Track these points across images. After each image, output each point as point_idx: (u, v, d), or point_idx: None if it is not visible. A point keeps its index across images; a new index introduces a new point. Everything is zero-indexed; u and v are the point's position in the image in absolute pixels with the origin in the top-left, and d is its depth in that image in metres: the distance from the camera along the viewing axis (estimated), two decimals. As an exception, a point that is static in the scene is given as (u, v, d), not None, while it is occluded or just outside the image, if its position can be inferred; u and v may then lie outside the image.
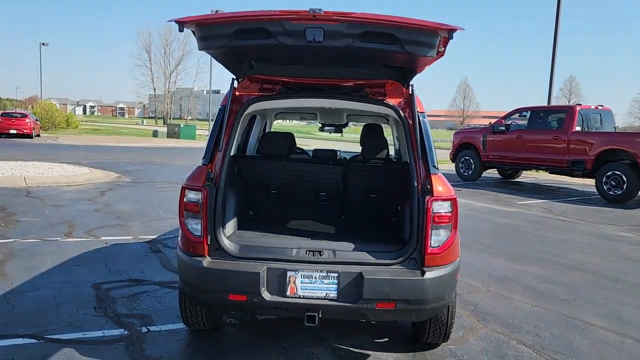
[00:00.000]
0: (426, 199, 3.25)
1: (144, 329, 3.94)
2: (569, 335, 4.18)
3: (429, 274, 3.20)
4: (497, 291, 5.26)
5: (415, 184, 3.36)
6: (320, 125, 6.37)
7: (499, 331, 4.22)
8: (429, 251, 3.25)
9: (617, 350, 3.93)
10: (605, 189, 12.39)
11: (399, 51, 2.80)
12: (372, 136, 4.49)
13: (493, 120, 16.22)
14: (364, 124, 5.21)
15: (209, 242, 3.33)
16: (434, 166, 3.38)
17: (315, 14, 2.65)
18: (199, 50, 2.99)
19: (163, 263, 5.74)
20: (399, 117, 3.54)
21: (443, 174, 3.53)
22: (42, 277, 5.09)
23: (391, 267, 3.26)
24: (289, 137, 4.51)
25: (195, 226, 3.36)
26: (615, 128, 14.57)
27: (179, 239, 3.51)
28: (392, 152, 5.55)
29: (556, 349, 3.92)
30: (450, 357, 3.72)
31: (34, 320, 4.02)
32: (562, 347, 3.95)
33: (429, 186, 3.28)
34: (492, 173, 17.22)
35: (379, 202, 4.32)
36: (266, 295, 3.18)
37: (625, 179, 12.02)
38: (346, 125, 6.22)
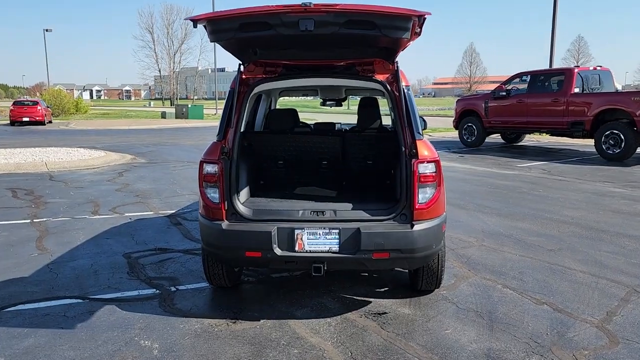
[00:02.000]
0: (412, 162, 3.73)
1: (173, 288, 4.51)
2: (550, 279, 4.69)
3: (417, 227, 3.69)
4: (490, 245, 5.76)
5: (403, 149, 3.83)
6: (321, 100, 6.84)
7: (487, 278, 4.73)
8: (416, 207, 3.74)
9: (591, 289, 4.43)
10: (604, 148, 12.74)
11: (379, 35, 3.26)
12: (366, 108, 4.94)
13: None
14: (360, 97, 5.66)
15: (226, 208, 3.84)
16: (419, 132, 3.84)
17: (306, 7, 3.10)
18: (210, 42, 3.46)
19: (184, 234, 6.30)
20: (386, 90, 4.00)
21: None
22: (78, 250, 5.67)
23: (384, 222, 3.76)
24: (292, 113, 4.98)
25: (214, 195, 3.87)
26: (616, 88, 14.81)
27: (200, 206, 4.02)
28: (389, 122, 6.00)
29: (537, 290, 4.43)
30: (442, 300, 4.24)
31: (76, 284, 4.60)
32: (543, 289, 4.45)
33: (414, 150, 3.76)
34: (495, 138, 17.57)
35: (375, 167, 4.80)
36: (277, 251, 3.70)
37: (623, 137, 12.36)
38: (345, 99, 6.67)
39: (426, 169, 3.76)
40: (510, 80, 15.53)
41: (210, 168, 3.88)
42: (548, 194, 8.70)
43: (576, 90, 13.55)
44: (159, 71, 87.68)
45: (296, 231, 3.72)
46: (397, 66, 3.98)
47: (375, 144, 4.74)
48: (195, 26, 3.33)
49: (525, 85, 15.01)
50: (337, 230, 3.70)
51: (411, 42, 3.76)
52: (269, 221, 3.80)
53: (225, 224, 3.80)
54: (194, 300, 4.27)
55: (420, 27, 3.43)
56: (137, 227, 6.71)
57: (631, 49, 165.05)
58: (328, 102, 6.80)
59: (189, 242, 5.91)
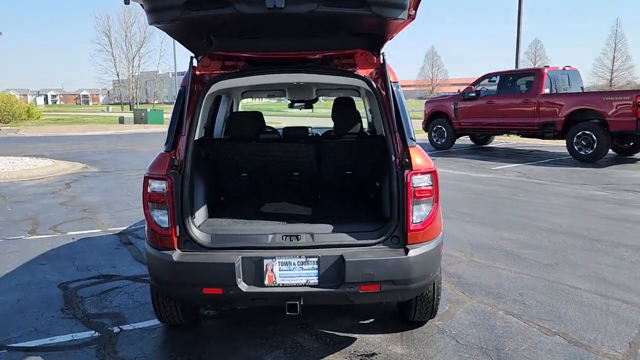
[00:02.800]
0: (405, 173, 3.09)
1: (116, 329, 3.72)
2: (555, 301, 4.12)
3: (412, 252, 3.05)
4: (480, 261, 5.19)
5: (393, 158, 3.19)
6: (289, 102, 6.12)
7: (485, 302, 4.14)
8: (411, 228, 3.10)
9: (603, 314, 3.88)
10: (577, 149, 12.50)
11: (367, 14, 2.58)
12: (343, 110, 4.29)
13: (462, 88, 16.18)
14: (334, 97, 5.00)
15: (177, 234, 3.11)
16: (411, 138, 3.21)
17: None
18: (149, 24, 2.72)
19: (135, 255, 5.49)
20: (371, 88, 3.34)
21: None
22: (4, 280, 4.79)
23: (373, 247, 3.10)
24: (257, 116, 4.26)
25: (162, 217, 3.13)
26: (582, 88, 14.67)
27: (146, 232, 3.28)
28: (365, 125, 5.36)
29: (544, 316, 3.85)
30: (438, 334, 3.61)
31: (-5, 328, 3.76)
32: (550, 314, 3.88)
33: (407, 159, 3.12)
34: (464, 140, 17.24)
35: (356, 178, 4.14)
36: (243, 286, 2.99)
37: (595, 138, 12.12)
38: (316, 100, 5.99)
39: (421, 181, 3.12)
40: (479, 81, 15.21)
41: (157, 185, 3.13)
42: (529, 199, 8.25)
43: (546, 90, 13.30)
44: (117, 75, 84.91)
45: (265, 261, 3.02)
46: (384, 59, 3.32)
47: (356, 151, 4.08)
48: (126, 2, 2.57)
49: (494, 87, 14.71)
50: (315, 259, 3.02)
51: (400, 31, 3.12)
52: (231, 249, 3.09)
53: (176, 255, 3.07)
54: (141, 345, 3.50)
55: (415, 9, 2.78)
56: (81, 248, 5.85)
57: (585, 52, 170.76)
58: (297, 104, 6.10)
59: (139, 266, 5.11)
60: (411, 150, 3.15)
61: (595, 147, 12.14)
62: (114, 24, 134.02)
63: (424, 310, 3.56)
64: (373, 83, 3.33)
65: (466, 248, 5.60)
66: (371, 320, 3.86)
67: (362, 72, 3.41)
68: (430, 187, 3.13)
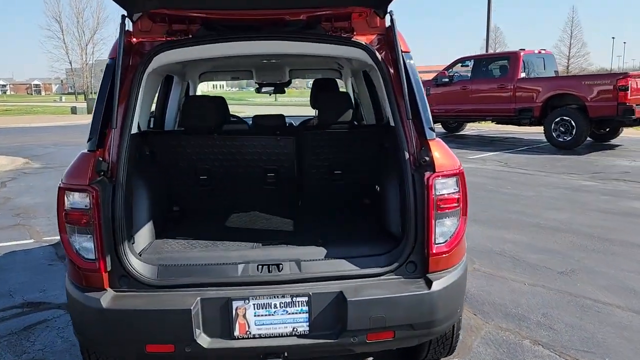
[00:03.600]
0: (425, 177, 2.26)
1: (35, 388, 2.79)
2: (587, 324, 3.41)
3: (437, 285, 2.24)
4: (485, 269, 4.45)
5: (407, 156, 2.36)
6: (256, 85, 5.19)
7: (505, 327, 3.39)
8: (433, 251, 2.29)
9: (650, 339, 3.19)
10: (555, 135, 12.00)
11: None
12: (329, 94, 3.43)
13: (427, 75, 15.52)
14: (311, 80, 4.12)
15: (109, 268, 2.21)
16: (431, 128, 2.38)
17: None
18: None
19: (71, 274, 4.49)
20: (375, 61, 2.49)
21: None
22: None
23: (382, 278, 2.28)
24: (218, 102, 3.35)
25: (86, 244, 2.22)
26: (556, 72, 14.23)
27: (67, 265, 2.36)
28: None
29: (579, 345, 3.13)
30: (457, 377, 2.83)
31: None
32: (585, 342, 3.17)
33: (426, 157, 2.29)
34: (436, 128, 16.63)
35: (347, 179, 3.30)
36: (204, 341, 2.13)
37: (574, 124, 11.64)
38: (289, 83, 5.09)
39: (446, 187, 2.31)
40: (451, 65, 14.54)
41: (76, 199, 2.22)
42: (519, 192, 7.61)
43: (522, 75, 12.75)
44: (70, 64, 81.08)
45: (235, 304, 2.17)
46: (393, 20, 2.45)
47: (348, 145, 3.22)
48: None
49: (468, 72, 14.08)
50: (304, 298, 2.19)
51: None
52: (186, 287, 2.21)
53: (107, 298, 2.17)
54: (66, 413, 2.58)
55: None
56: (5, 265, 4.82)
57: (542, 38, 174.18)
58: (265, 88, 5.17)
59: (76, 289, 4.12)
60: (431, 144, 2.33)
61: (574, 133, 11.67)
62: (65, 9, 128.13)
63: (441, 347, 2.78)
64: (377, 54, 2.47)
65: (466, 253, 4.85)
66: (370, 359, 3.05)
67: (361, 39, 2.54)
68: (457, 195, 2.33)
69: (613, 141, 12.91)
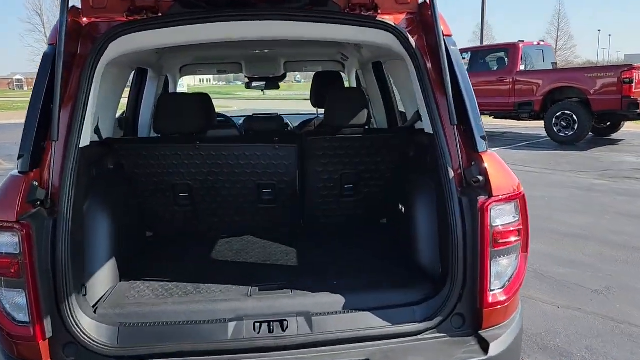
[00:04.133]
0: (478, 202, 1.69)
1: None
2: (642, 360, 2.88)
3: (495, 347, 1.69)
4: (509, 288, 3.90)
5: (450, 173, 1.78)
6: (246, 80, 4.57)
7: (547, 367, 2.85)
8: (489, 299, 1.73)
9: None
10: (556, 130, 11.52)
11: None
12: (338, 91, 2.86)
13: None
14: (296, 75, 3.52)
15: (48, 334, 1.61)
16: (483, 137, 1.81)
17: None
18: None
19: None
20: (407, 48, 1.91)
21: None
22: None
23: (421, 337, 1.71)
24: (201, 101, 2.74)
25: (17, 302, 1.62)
26: (553, 65, 13.76)
27: None
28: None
29: (640, 391, 2.60)
30: None
31: None
32: (647, 387, 2.63)
33: (479, 177, 1.72)
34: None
35: (362, 196, 2.71)
36: None
37: (576, 118, 11.16)
38: (283, 77, 4.47)
39: (504, 215, 1.75)
40: (447, 58, 13.98)
41: (1, 241, 1.61)
42: (528, 192, 7.03)
43: (521, 67, 12.25)
44: (52, 57, 79.32)
45: None
46: None
47: (363, 155, 2.63)
48: None
49: (465, 64, 13.54)
50: None
51: None
52: (157, 358, 1.62)
53: None
54: None
55: None
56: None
57: (528, 31, 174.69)
58: (256, 83, 4.55)
59: None
60: (485, 159, 1.76)
61: (576, 128, 11.20)
62: (46, 1, 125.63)
63: None
64: (410, 38, 1.89)
65: (484, 269, 4.31)
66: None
67: (388, 19, 1.95)
68: (517, 225, 1.77)
69: (614, 136, 12.48)
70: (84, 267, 1.86)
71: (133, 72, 3.41)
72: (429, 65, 1.90)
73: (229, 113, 5.30)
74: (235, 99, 36.22)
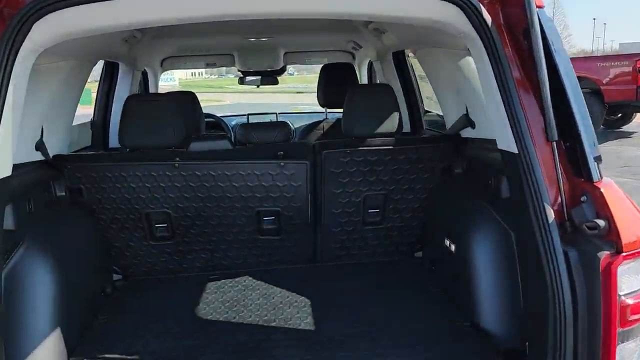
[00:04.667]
0: (601, 260, 1.11)
1: None
2: None
3: None
4: None
5: (548, 213, 1.20)
6: (240, 73, 3.94)
7: None
8: None
9: None
10: (566, 123, 10.98)
11: None
12: (358, 89, 2.28)
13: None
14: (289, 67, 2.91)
15: None
16: (597, 159, 1.23)
17: None
18: None
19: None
20: (479, 26, 1.31)
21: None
22: None
23: None
24: (183, 103, 2.12)
25: None
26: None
27: None
28: None
29: None
30: None
31: None
32: None
33: (598, 221, 1.14)
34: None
35: (390, 223, 2.12)
36: None
37: (587, 110, 10.61)
38: (283, 71, 3.85)
39: (636, 277, 1.15)
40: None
41: None
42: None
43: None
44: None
45: None
46: None
47: (393, 171, 2.03)
48: None
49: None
50: None
51: None
52: None
53: None
54: None
55: None
56: None
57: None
58: (250, 78, 3.92)
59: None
60: (605, 192, 1.18)
61: (587, 120, 10.65)
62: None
63: None
64: (484, 12, 1.30)
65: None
66: None
67: None
68: None
69: (625, 128, 11.94)
70: (11, 350, 1.28)
71: (102, 67, 2.81)
72: (509, 52, 1.31)
73: (220, 111, 4.65)
74: (226, 92, 35.08)
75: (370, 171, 2.00)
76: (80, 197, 1.88)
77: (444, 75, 2.14)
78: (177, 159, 1.88)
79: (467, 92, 1.88)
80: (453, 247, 1.78)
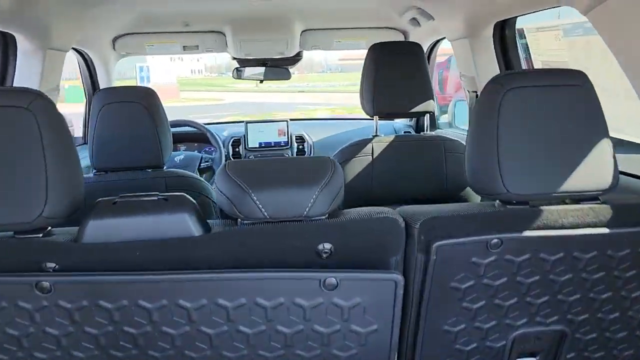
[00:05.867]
0: None
1: None
2: None
3: None
4: None
5: None
6: (236, 65, 2.77)
7: None
8: None
9: None
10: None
11: None
12: None
13: (439, 58, 13.30)
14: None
15: None
16: None
17: None
18: None
19: None
20: None
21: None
22: None
23: None
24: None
25: None
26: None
27: None
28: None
29: None
30: None
31: None
32: None
33: None
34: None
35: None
36: None
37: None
38: (297, 60, 2.69)
39: None
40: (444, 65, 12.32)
41: None
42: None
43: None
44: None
45: None
46: None
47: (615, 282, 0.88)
48: None
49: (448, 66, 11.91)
50: None
51: None
52: None
53: None
54: None
55: None
56: None
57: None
58: (252, 70, 2.74)
59: None
60: None
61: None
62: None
63: None
64: None
65: None
66: None
67: None
68: None
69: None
70: None
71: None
72: None
73: (220, 111, 3.50)
74: (226, 91, 33.45)
75: (540, 282, 0.85)
76: None
77: None
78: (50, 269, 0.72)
79: None
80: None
